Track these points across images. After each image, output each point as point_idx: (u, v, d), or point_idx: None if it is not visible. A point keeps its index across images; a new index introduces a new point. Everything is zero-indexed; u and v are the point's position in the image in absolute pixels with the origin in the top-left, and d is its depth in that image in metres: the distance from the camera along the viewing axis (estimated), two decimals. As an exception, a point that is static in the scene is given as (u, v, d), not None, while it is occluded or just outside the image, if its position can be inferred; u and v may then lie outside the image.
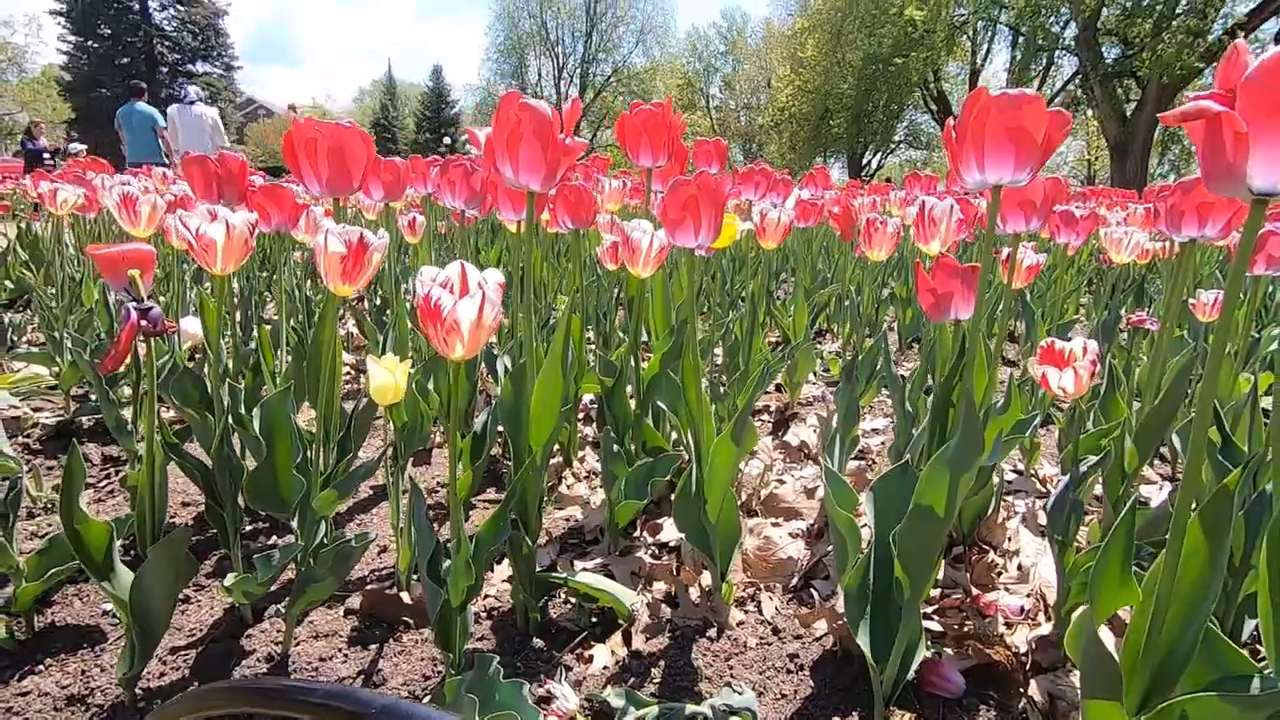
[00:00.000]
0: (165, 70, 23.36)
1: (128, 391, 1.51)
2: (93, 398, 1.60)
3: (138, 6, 22.81)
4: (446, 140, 29.93)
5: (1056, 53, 20.92)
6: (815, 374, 2.17)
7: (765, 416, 1.85)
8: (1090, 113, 19.05)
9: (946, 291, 0.83)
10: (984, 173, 0.71)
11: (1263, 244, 0.98)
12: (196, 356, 1.78)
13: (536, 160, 0.76)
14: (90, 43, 22.42)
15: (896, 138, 27.89)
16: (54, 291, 1.97)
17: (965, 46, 23.96)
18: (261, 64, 75.91)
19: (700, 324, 2.23)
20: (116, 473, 1.44)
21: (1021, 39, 21.30)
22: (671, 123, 1.12)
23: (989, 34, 24.06)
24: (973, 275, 0.82)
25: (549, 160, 0.76)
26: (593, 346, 1.65)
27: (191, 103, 6.29)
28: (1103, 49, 16.12)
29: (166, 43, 23.42)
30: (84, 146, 7.67)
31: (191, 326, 1.69)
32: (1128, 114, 15.98)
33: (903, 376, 1.21)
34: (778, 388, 2.01)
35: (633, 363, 1.22)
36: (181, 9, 23.50)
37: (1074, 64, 19.28)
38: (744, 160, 32.17)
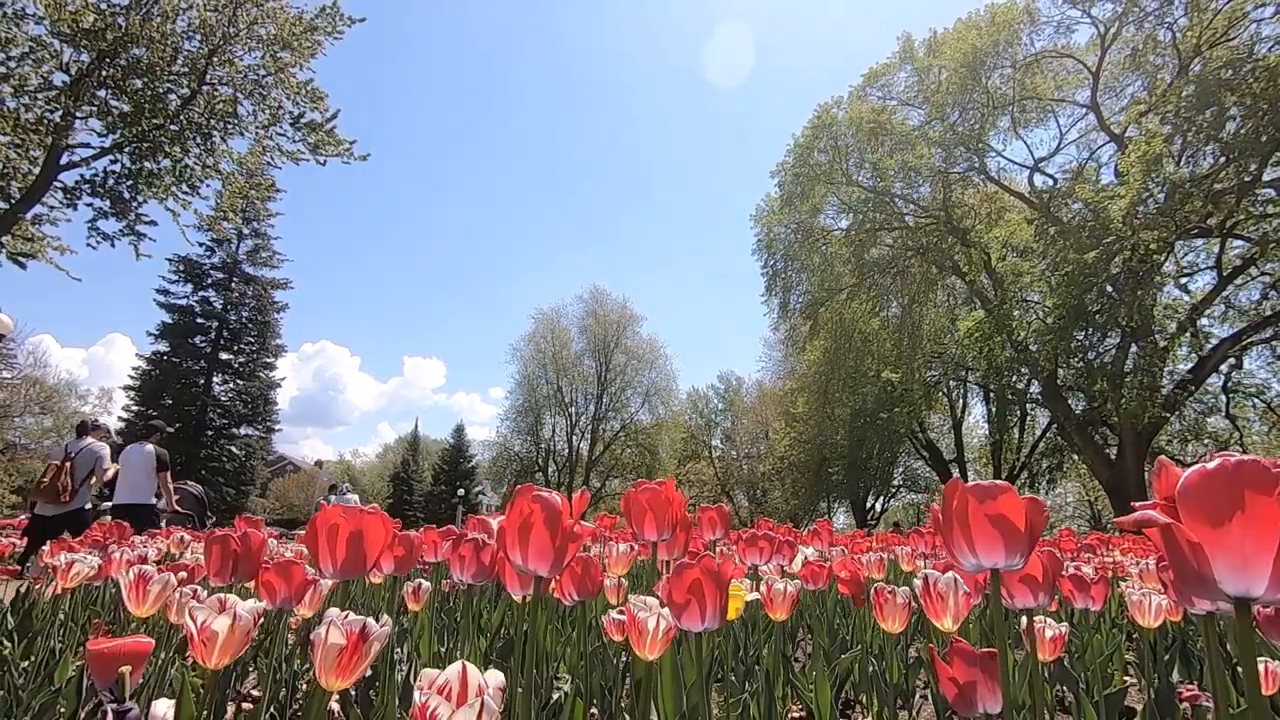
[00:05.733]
0: (210, 433, 25.43)
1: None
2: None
3: (203, 381, 25.86)
4: (460, 492, 31.04)
5: (1029, 404, 22.83)
6: (850, 760, 1.90)
7: (798, 821, 1.57)
8: (1077, 457, 19.96)
9: (969, 681, 0.78)
10: (978, 558, 0.74)
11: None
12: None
13: (545, 547, 0.80)
14: (150, 411, 24.86)
15: (895, 482, 28.77)
16: (27, 666, 1.86)
17: (944, 401, 26.27)
18: (298, 425, 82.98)
19: (715, 698, 2.04)
20: None
21: (993, 395, 23.48)
22: (674, 498, 1.20)
23: (962, 390, 26.59)
24: (992, 662, 0.79)
25: (557, 547, 0.80)
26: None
27: (345, 494, 9.78)
28: (1069, 402, 17.58)
29: (219, 409, 25.94)
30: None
31: (161, 710, 1.56)
32: (1112, 457, 16.69)
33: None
34: (809, 779, 1.74)
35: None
36: (241, 382, 26.60)
37: (1049, 414, 20.85)
38: (749, 505, 32.76)
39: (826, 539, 2.52)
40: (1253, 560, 0.45)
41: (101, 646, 0.79)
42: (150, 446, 5.39)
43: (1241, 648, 0.49)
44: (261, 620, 0.86)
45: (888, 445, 25.00)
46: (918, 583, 1.05)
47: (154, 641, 0.82)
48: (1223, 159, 13.59)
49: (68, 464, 4.96)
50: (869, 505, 28.46)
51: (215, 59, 10.84)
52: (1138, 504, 0.51)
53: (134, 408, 25.06)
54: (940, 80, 18.88)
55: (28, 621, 2.72)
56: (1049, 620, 1.16)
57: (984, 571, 0.74)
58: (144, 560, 1.87)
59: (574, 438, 34.78)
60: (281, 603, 1.23)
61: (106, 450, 5.31)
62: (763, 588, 1.39)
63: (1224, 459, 0.47)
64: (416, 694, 0.58)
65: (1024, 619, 1.18)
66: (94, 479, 5.15)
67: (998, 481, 0.74)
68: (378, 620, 0.84)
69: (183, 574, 1.35)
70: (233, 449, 26.05)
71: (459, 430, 37.89)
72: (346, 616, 0.80)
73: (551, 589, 1.37)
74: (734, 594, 1.19)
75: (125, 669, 0.76)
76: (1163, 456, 0.54)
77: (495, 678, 0.61)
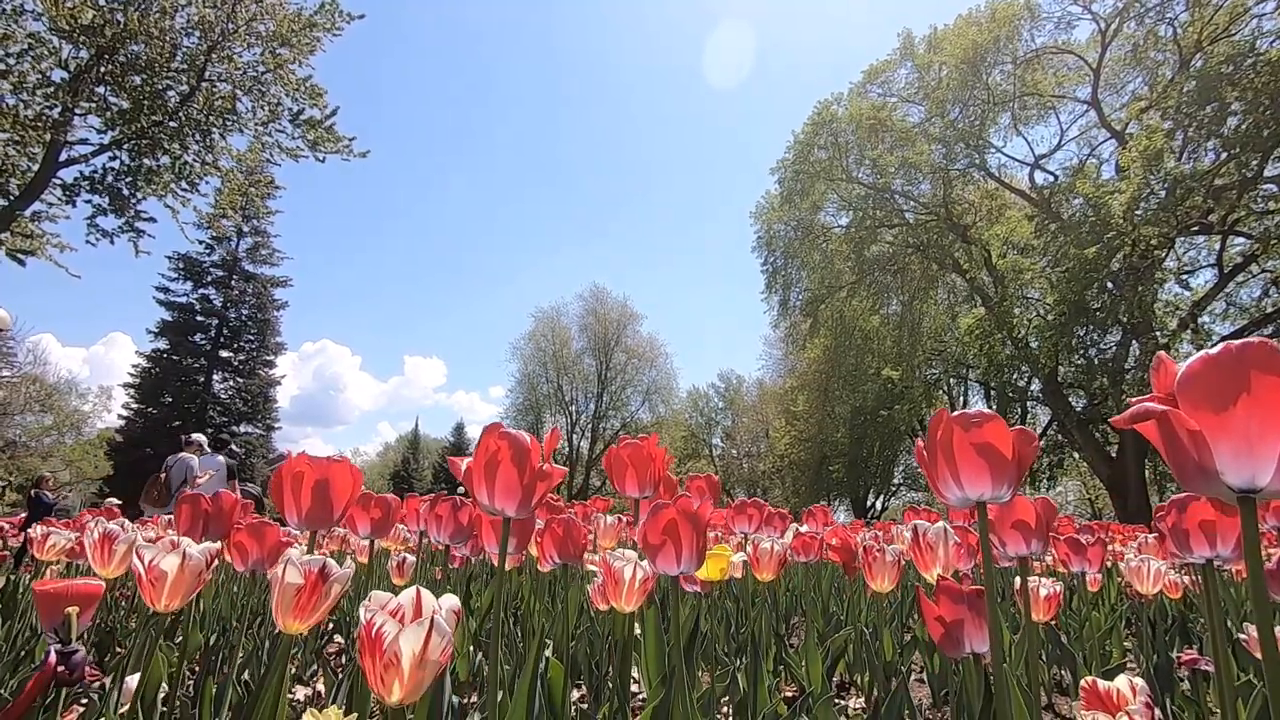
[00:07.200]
0: (210, 431, 25.36)
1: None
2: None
3: (202, 379, 25.83)
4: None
5: (1029, 402, 22.76)
6: (844, 738, 1.86)
7: (789, 797, 1.53)
8: (1077, 455, 19.90)
9: (955, 619, 0.75)
10: (963, 489, 0.70)
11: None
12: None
13: (512, 485, 0.76)
14: (150, 409, 24.81)
15: (895, 480, 28.71)
16: (4, 646, 1.82)
17: (944, 398, 26.19)
18: (298, 424, 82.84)
19: (705, 677, 2.00)
20: None
21: (993, 392, 23.41)
22: (657, 454, 1.16)
23: (963, 388, 26.52)
24: (979, 600, 0.75)
25: (525, 484, 0.77)
26: (584, 706, 1.46)
27: None
28: (1070, 399, 17.52)
29: (218, 407, 25.89)
30: (118, 502, 7.91)
31: (135, 683, 1.53)
32: (1113, 455, 16.63)
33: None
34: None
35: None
36: (241, 380, 26.55)
37: (1050, 412, 20.79)
38: (750, 504, 32.67)
39: (821, 519, 2.48)
40: (1259, 445, 0.41)
41: (49, 586, 0.76)
42: (222, 457, 6.75)
43: (1247, 551, 0.45)
44: (215, 564, 0.82)
45: (888, 443, 24.95)
46: (907, 534, 1.01)
47: (104, 585, 0.78)
48: (1224, 155, 13.53)
49: (163, 474, 6.16)
50: (870, 503, 28.40)
51: (214, 55, 10.81)
52: (1134, 399, 0.47)
53: (134, 405, 25.02)
54: (941, 77, 18.83)
55: (11, 603, 2.69)
56: (1043, 580, 1.12)
57: (970, 505, 0.70)
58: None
59: (574, 436, 34.73)
60: (253, 565, 1.19)
61: (196, 461, 6.46)
62: (749, 548, 1.35)
63: (1229, 343, 0.44)
64: (362, 612, 0.54)
65: (1017, 579, 1.14)
66: (187, 485, 6.23)
67: (984, 409, 0.70)
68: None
69: (151, 533, 1.31)
70: (233, 447, 25.99)
71: (459, 429, 37.86)
72: (307, 557, 0.76)
73: (532, 550, 1.33)
74: (719, 554, 1.15)
75: (73, 610, 0.73)
76: (1161, 353, 0.51)
77: (449, 600, 0.57)
